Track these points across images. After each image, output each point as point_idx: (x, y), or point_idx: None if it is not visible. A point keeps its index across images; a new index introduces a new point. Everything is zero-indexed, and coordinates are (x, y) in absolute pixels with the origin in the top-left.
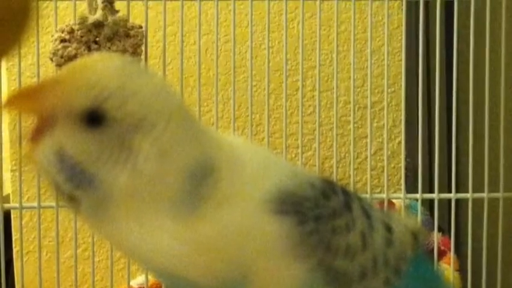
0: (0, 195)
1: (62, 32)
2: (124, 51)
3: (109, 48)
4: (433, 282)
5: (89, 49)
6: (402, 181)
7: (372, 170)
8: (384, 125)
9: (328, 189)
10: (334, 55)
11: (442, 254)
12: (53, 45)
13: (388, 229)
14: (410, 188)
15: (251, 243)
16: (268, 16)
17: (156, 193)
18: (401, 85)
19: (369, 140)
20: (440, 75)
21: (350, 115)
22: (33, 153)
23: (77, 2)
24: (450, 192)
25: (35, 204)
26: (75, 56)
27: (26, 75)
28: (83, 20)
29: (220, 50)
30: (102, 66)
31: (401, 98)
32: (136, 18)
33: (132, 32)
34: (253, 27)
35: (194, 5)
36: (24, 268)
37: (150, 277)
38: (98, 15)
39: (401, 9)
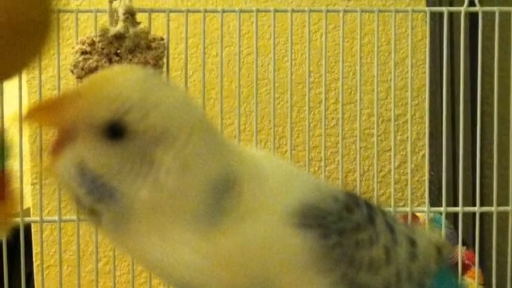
0: (21, 209)
1: (83, 44)
2: (145, 63)
3: (130, 60)
4: None
5: (110, 61)
6: (426, 194)
7: (395, 183)
8: (407, 138)
9: (352, 202)
10: (358, 67)
11: (466, 268)
12: (74, 57)
13: (412, 243)
14: (434, 201)
15: (274, 256)
16: (291, 28)
17: (178, 207)
18: (425, 97)
19: (392, 153)
20: (465, 88)
21: (373, 128)
22: (54, 167)
23: (98, 13)
24: (474, 205)
25: (56, 217)
26: (96, 68)
27: (46, 87)
28: (104, 32)
29: (243, 62)
30: (124, 78)
31: (425, 110)
32: (157, 30)
33: (153, 44)
34: (276, 39)
35: (216, 17)
36: (45, 282)
37: None
38: (119, 27)
39: (425, 21)
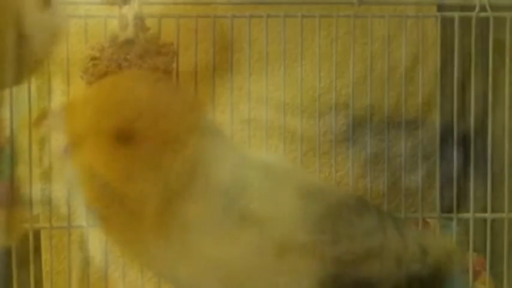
0: (30, 215)
1: (92, 49)
2: (155, 69)
3: (140, 66)
4: None
5: (120, 67)
6: (437, 200)
7: (406, 189)
8: (418, 143)
9: (362, 208)
10: (368, 72)
11: (477, 274)
12: (83, 63)
13: (423, 249)
14: (445, 207)
15: (285, 263)
16: (302, 33)
17: (188, 212)
18: (436, 103)
19: (403, 159)
20: (476, 93)
21: (384, 133)
22: (63, 172)
23: (108, 19)
24: (486, 212)
25: (65, 224)
26: (105, 74)
27: (55, 93)
28: (114, 38)
29: (253, 67)
30: (133, 84)
31: (436, 116)
32: (167, 36)
33: (163, 50)
34: (286, 44)
35: (226, 22)
36: None
37: None
38: (129, 32)
39: (436, 26)
